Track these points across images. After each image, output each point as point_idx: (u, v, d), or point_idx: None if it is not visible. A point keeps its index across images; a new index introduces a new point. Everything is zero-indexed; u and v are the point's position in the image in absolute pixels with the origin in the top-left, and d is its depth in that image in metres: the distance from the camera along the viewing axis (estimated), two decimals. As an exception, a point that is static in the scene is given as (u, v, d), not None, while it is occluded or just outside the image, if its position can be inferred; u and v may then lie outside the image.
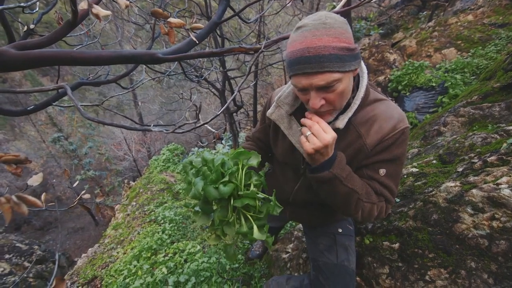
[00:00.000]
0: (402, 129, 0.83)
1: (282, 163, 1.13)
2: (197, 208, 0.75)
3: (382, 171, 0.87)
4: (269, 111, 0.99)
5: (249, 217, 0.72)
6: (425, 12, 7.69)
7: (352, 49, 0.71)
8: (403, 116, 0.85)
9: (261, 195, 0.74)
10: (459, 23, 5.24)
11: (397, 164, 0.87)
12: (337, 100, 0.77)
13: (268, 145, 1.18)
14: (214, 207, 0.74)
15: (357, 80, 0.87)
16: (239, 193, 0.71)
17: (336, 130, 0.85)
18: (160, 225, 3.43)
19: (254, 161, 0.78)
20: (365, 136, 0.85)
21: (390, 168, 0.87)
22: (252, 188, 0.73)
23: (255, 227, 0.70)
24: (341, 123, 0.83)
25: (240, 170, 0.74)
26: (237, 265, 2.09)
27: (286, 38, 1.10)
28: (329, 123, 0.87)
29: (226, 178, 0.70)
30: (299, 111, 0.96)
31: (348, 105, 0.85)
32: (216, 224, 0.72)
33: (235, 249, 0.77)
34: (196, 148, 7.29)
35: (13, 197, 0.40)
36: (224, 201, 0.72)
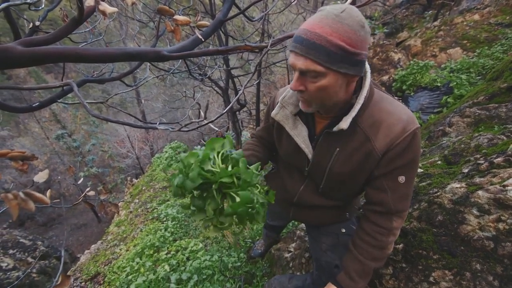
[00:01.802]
0: (412, 130, 0.80)
1: (287, 163, 1.12)
2: (192, 208, 0.76)
3: (401, 178, 0.85)
4: (274, 111, 0.98)
5: (230, 193, 0.71)
6: (430, 11, 7.61)
7: (349, 52, 0.68)
8: (412, 116, 0.82)
9: (233, 170, 0.73)
10: (465, 23, 5.18)
11: (413, 167, 0.86)
12: (315, 93, 0.76)
13: (271, 143, 1.18)
14: (207, 202, 0.74)
15: (360, 80, 0.84)
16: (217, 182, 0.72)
17: (340, 132, 0.84)
18: (163, 223, 3.45)
19: (228, 146, 0.79)
20: (374, 139, 0.82)
21: (408, 173, 0.86)
22: (223, 167, 0.74)
23: (237, 197, 0.70)
24: (345, 124, 0.80)
25: (216, 157, 0.75)
26: (239, 263, 2.10)
27: (291, 36, 1.09)
28: (332, 125, 0.87)
29: (193, 167, 0.70)
30: (303, 112, 0.95)
31: (351, 106, 0.82)
32: (210, 215, 0.72)
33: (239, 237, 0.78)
34: (199, 146, 7.30)
35: (21, 194, 0.40)
36: (210, 191, 0.73)
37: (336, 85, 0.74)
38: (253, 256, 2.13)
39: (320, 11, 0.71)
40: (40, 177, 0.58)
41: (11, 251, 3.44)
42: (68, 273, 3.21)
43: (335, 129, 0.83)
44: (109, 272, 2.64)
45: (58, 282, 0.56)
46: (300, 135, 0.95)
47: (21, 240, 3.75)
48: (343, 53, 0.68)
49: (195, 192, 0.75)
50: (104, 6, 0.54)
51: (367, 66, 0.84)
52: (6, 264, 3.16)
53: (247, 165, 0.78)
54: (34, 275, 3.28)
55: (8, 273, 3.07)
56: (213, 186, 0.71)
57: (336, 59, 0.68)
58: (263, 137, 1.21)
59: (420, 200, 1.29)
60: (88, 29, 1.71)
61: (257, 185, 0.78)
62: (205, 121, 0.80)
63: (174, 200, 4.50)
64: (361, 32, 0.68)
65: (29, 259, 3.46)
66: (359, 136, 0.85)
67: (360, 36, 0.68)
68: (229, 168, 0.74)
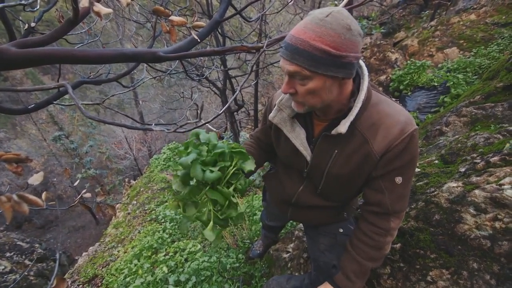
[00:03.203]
0: (410, 132, 0.80)
1: (286, 164, 1.12)
2: (179, 173, 0.80)
3: (399, 179, 0.86)
4: (271, 114, 0.98)
5: (212, 212, 0.76)
6: (427, 11, 7.65)
7: (334, 55, 0.68)
8: (410, 118, 0.82)
9: (235, 200, 0.78)
10: (461, 23, 5.21)
11: (411, 168, 0.86)
12: (305, 96, 0.78)
13: (269, 145, 1.18)
14: (192, 182, 0.79)
15: (357, 82, 0.84)
16: (218, 186, 0.76)
17: (339, 134, 0.84)
18: (161, 224, 3.44)
19: (248, 166, 0.83)
20: (372, 141, 0.83)
21: (405, 174, 0.86)
22: (231, 189, 0.77)
23: (210, 224, 0.74)
24: (343, 127, 0.81)
25: (231, 167, 0.79)
26: (237, 264, 2.09)
27: (288, 37, 1.09)
28: (331, 127, 0.87)
29: (216, 168, 0.74)
30: (301, 114, 0.95)
31: (349, 109, 0.82)
32: (183, 196, 0.77)
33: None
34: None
35: (14, 196, 0.40)
36: (202, 184, 0.77)
37: (324, 87, 0.75)
38: (251, 257, 2.12)
39: (309, 15, 0.72)
40: (35, 179, 0.57)
41: (8, 254, 3.42)
42: (66, 275, 3.19)
43: (333, 132, 0.83)
44: (107, 274, 2.63)
45: (54, 285, 0.55)
46: (298, 137, 0.95)
47: (18, 243, 3.73)
48: (328, 57, 0.68)
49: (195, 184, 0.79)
50: (99, 7, 0.54)
51: (365, 68, 0.84)
52: (3, 267, 3.14)
53: None
54: (32, 277, 3.26)
55: (5, 276, 3.05)
56: (207, 190, 0.76)
57: (321, 63, 0.69)
58: (260, 139, 1.21)
59: (417, 199, 1.29)
60: (84, 30, 1.70)
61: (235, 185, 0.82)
62: (202, 122, 0.80)
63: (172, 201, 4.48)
64: (346, 35, 0.68)
65: (27, 262, 3.44)
66: (358, 139, 0.85)
67: (345, 39, 0.68)
68: (231, 188, 0.79)
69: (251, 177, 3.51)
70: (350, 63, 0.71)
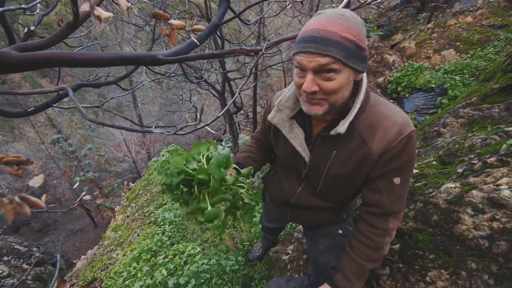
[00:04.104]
0: (408, 133, 0.81)
1: (285, 165, 1.13)
2: (180, 200, 0.81)
3: (397, 180, 0.87)
4: (270, 115, 0.98)
5: (204, 193, 0.76)
6: (424, 14, 7.71)
7: (361, 48, 0.71)
8: (408, 119, 0.83)
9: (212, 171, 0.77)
10: (458, 25, 5.25)
11: (408, 169, 0.87)
12: (330, 91, 0.75)
13: (269, 145, 1.18)
14: (192, 197, 0.79)
15: (356, 83, 0.85)
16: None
17: (337, 135, 0.84)
18: (160, 227, 3.43)
19: (213, 149, 0.84)
20: (370, 142, 0.83)
21: (403, 175, 0.87)
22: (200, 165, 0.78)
23: (207, 201, 0.74)
24: (342, 128, 0.81)
25: (202, 157, 0.80)
26: (237, 266, 2.09)
27: (287, 39, 1.10)
28: (329, 128, 0.87)
29: (177, 164, 0.76)
30: (300, 115, 0.96)
31: (348, 109, 0.83)
32: (191, 210, 0.77)
33: (194, 222, 0.80)
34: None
35: (16, 198, 0.40)
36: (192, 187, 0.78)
37: (347, 82, 0.75)
38: (251, 259, 2.12)
39: (321, 13, 0.73)
40: (35, 181, 0.57)
41: (5, 258, 3.39)
42: (64, 279, 3.17)
43: (332, 132, 0.84)
44: (106, 278, 2.61)
45: (54, 287, 0.55)
46: (297, 138, 0.95)
47: (16, 247, 3.70)
48: (357, 49, 0.71)
49: (184, 188, 0.78)
50: (99, 11, 0.54)
51: None
52: (0, 271, 3.11)
53: (238, 167, 0.84)
54: (30, 282, 3.23)
55: (3, 280, 3.02)
56: (193, 183, 0.75)
57: (352, 55, 0.71)
58: (260, 139, 1.22)
59: (416, 200, 1.30)
60: (83, 34, 1.71)
61: (244, 185, 0.82)
62: (201, 124, 0.80)
63: (172, 204, 4.48)
64: (364, 30, 0.72)
65: (24, 266, 3.41)
66: (356, 139, 0.85)
67: (364, 34, 0.72)
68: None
69: (250, 179, 3.49)
70: (367, 57, 0.75)
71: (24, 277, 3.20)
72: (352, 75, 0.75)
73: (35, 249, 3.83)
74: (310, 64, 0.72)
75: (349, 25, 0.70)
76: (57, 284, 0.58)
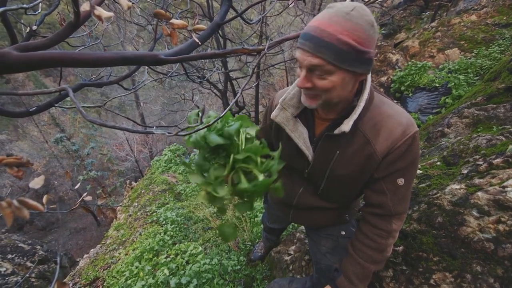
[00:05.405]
0: (412, 134, 0.81)
1: (287, 165, 1.12)
2: (193, 166, 0.75)
3: (401, 181, 0.86)
4: (274, 113, 0.97)
5: (254, 170, 0.70)
6: (428, 12, 7.65)
7: (359, 50, 0.68)
8: (412, 120, 0.83)
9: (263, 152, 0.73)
10: (462, 23, 5.20)
11: (412, 170, 0.86)
12: (323, 90, 0.75)
13: (269, 144, 1.17)
14: (214, 167, 0.73)
15: (360, 82, 0.84)
16: (239, 153, 0.71)
17: (341, 134, 0.83)
18: (162, 226, 3.43)
19: (252, 131, 0.78)
20: (374, 142, 0.83)
21: (407, 176, 0.86)
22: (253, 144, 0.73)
23: (260, 175, 0.68)
24: (347, 126, 0.80)
25: (241, 132, 0.74)
26: (239, 266, 2.08)
27: (289, 39, 1.09)
28: (333, 127, 0.86)
29: (227, 128, 0.71)
30: (303, 114, 0.95)
31: (352, 108, 0.82)
32: (210, 180, 0.70)
33: (231, 227, 0.74)
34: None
35: (15, 202, 0.40)
36: (223, 158, 0.72)
37: (343, 82, 0.74)
38: (253, 259, 2.12)
39: (329, 8, 0.71)
40: (36, 183, 0.57)
41: (9, 256, 3.42)
42: (67, 278, 3.19)
43: (336, 131, 0.83)
44: (108, 277, 2.62)
45: (54, 290, 0.55)
46: (301, 137, 0.94)
47: (20, 245, 3.73)
48: (353, 52, 0.68)
49: (207, 153, 0.73)
50: (100, 11, 0.54)
51: None
52: (4, 269, 3.14)
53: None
54: (33, 279, 3.26)
55: (7, 278, 3.04)
56: (233, 155, 0.70)
57: (346, 58, 0.69)
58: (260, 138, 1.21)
59: (420, 201, 1.29)
60: (85, 33, 1.70)
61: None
62: (204, 124, 0.79)
63: (174, 203, 4.49)
64: (370, 31, 0.69)
65: (28, 264, 3.44)
66: (359, 139, 0.85)
67: (369, 35, 0.69)
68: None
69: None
70: (371, 59, 0.72)
71: (28, 275, 3.23)
72: (348, 76, 0.74)
73: (38, 247, 3.86)
74: (304, 62, 0.73)
75: (350, 26, 0.67)
76: (57, 286, 0.58)
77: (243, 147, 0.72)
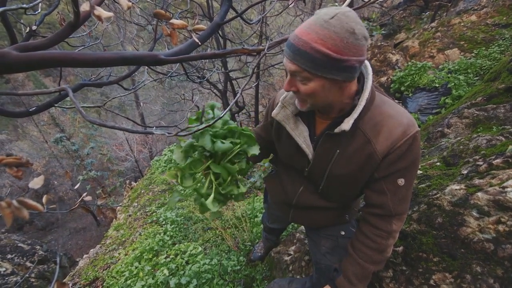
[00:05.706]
0: (413, 134, 0.81)
1: (287, 164, 1.12)
2: (183, 144, 0.81)
3: (401, 181, 0.86)
4: (274, 111, 0.97)
5: (214, 185, 0.76)
6: (427, 13, 7.65)
7: (335, 59, 0.68)
8: (412, 120, 0.83)
9: (238, 177, 0.79)
10: (462, 24, 5.20)
11: (413, 170, 0.87)
12: (305, 95, 0.79)
13: (269, 142, 1.17)
14: (194, 155, 0.80)
15: (362, 82, 0.84)
16: (221, 162, 0.77)
17: (341, 133, 0.84)
18: (162, 226, 3.43)
19: (252, 151, 0.84)
20: (374, 141, 0.83)
21: (407, 176, 0.86)
22: (235, 166, 0.79)
23: (212, 196, 0.74)
24: (347, 125, 0.81)
25: (238, 146, 0.80)
26: (238, 267, 2.08)
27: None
28: (333, 126, 0.86)
29: (227, 141, 0.77)
30: (304, 112, 0.95)
31: (353, 107, 0.82)
32: (183, 167, 0.77)
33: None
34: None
35: (14, 202, 0.39)
36: (205, 157, 0.78)
37: (324, 89, 0.76)
38: (252, 260, 2.12)
39: (315, 14, 0.72)
40: (35, 183, 0.57)
41: (9, 256, 3.42)
42: (67, 278, 3.19)
43: (336, 130, 0.83)
44: (108, 277, 2.62)
45: (54, 290, 0.55)
46: (301, 135, 0.94)
47: (19, 245, 3.73)
48: (328, 60, 0.68)
49: (196, 142, 0.79)
50: (99, 11, 0.54)
51: (369, 68, 0.84)
52: (4, 269, 3.13)
53: None
54: (33, 279, 3.25)
55: (7, 278, 3.04)
56: (211, 162, 0.77)
57: (321, 65, 0.70)
58: (260, 135, 1.21)
59: (420, 202, 1.29)
60: (85, 33, 1.70)
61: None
62: (204, 124, 0.79)
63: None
64: (349, 39, 0.67)
65: (28, 264, 3.44)
66: (360, 139, 0.85)
67: (348, 43, 0.67)
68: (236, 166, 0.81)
69: (251, 179, 3.53)
70: (352, 66, 0.71)
71: (27, 275, 3.22)
72: (328, 83, 0.74)
73: (38, 247, 3.85)
74: (287, 67, 0.76)
75: (326, 35, 0.67)
76: (57, 286, 0.58)
77: (224, 161, 0.76)
